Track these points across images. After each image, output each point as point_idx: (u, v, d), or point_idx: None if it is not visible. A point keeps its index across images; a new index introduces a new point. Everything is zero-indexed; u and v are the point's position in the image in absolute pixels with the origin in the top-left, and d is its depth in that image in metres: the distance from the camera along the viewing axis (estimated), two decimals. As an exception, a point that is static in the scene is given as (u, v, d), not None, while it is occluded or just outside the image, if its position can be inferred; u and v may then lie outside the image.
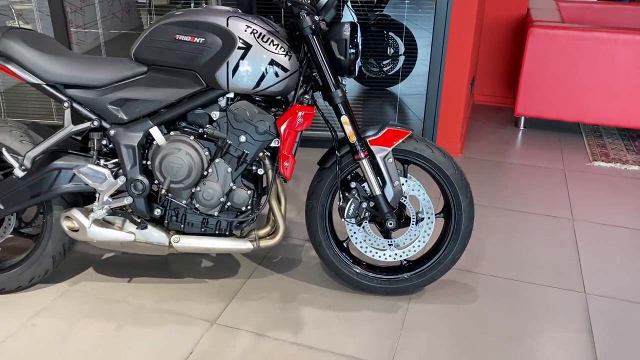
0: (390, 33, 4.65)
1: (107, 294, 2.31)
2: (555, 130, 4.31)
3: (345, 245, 2.34)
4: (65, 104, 2.03)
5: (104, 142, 2.10)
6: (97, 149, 2.09)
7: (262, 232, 2.26)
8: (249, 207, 2.15)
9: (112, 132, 2.05)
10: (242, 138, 2.04)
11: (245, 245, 2.20)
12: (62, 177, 2.10)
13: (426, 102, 3.74)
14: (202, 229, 2.18)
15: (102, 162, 2.10)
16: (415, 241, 2.25)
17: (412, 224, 2.23)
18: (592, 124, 4.25)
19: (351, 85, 4.95)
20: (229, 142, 2.04)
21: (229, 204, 2.14)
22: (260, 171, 2.15)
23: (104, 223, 2.15)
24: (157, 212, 2.14)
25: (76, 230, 2.12)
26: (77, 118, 2.09)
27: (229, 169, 2.08)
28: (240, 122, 2.03)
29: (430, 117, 3.78)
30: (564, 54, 4.03)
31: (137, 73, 2.05)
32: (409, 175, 2.24)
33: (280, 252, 2.64)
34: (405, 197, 2.20)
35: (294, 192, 3.23)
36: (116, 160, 2.10)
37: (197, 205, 2.11)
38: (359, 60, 2.12)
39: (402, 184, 2.18)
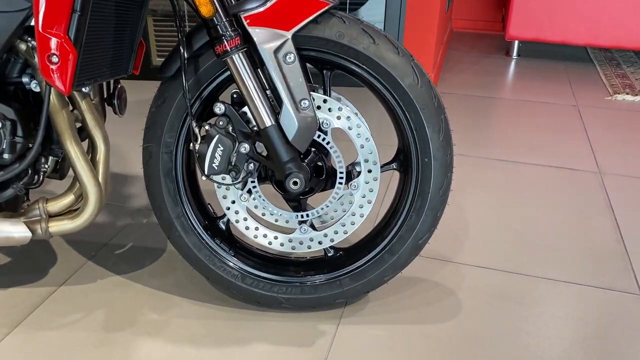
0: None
1: None
2: (559, 59, 3.29)
3: (224, 227, 1.30)
4: None
5: None
6: None
7: (56, 205, 1.20)
8: (5, 156, 1.07)
9: None
10: (-39, 6, 0.95)
11: (17, 230, 1.14)
12: None
13: (385, 16, 2.66)
14: None
15: None
16: (345, 215, 1.21)
17: (339, 184, 1.19)
18: (609, 48, 3.23)
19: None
20: None
21: (-43, 149, 1.06)
22: (36, 85, 1.07)
23: None
24: None
25: None
26: None
27: (-59, 75, 0.99)
28: (-49, -32, 0.94)
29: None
30: (572, -49, 2.97)
31: None
32: (334, 93, 1.20)
33: (132, 236, 1.58)
34: (325, 133, 1.15)
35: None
36: None
37: None
38: None
39: (318, 107, 1.13)
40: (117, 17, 1.11)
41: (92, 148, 1.24)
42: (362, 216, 1.20)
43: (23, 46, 1.03)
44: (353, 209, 1.20)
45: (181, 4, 1.12)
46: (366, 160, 1.17)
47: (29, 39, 1.02)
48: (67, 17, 0.94)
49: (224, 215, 1.27)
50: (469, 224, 1.68)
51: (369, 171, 1.17)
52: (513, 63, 3.23)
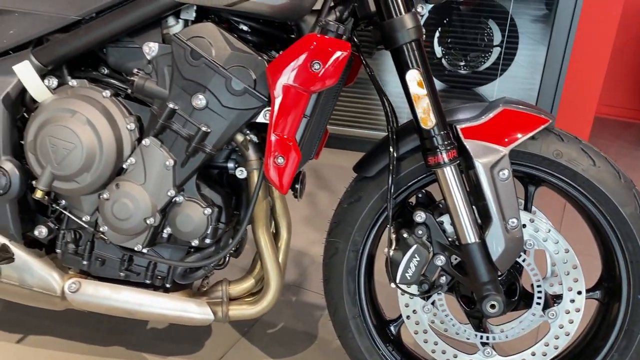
0: (483, 16, 3.51)
1: (-28, 361, 1.33)
2: None
3: (394, 332, 1.24)
4: None
5: (-50, 90, 1.12)
6: (-61, 103, 1.11)
7: (237, 288, 1.20)
8: (207, 241, 1.09)
9: (-38, 71, 1.07)
10: (199, 100, 0.99)
11: (200, 311, 1.15)
12: None
13: (539, 92, 2.56)
14: (122, 273, 1.14)
15: (-58, 127, 1.12)
16: (538, 343, 1.11)
17: (536, 308, 1.10)
18: None
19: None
20: (172, 105, 1.00)
21: (168, 230, 1.09)
22: (241, 172, 1.09)
23: (-58, 242, 1.16)
24: (42, 231, 1.12)
25: None
26: None
27: (169, 161, 1.03)
28: (198, 66, 0.98)
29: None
30: None
31: (24, -36, 1.06)
32: (534, 209, 1.12)
33: (283, 314, 1.56)
34: (526, 252, 1.07)
35: (324, 210, 2.14)
36: (-30, 126, 1.11)
37: (103, 228, 1.08)
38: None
39: (524, 226, 1.06)
40: (322, 111, 1.12)
41: (275, 233, 1.25)
42: (556, 348, 1.10)
43: (240, 137, 1.05)
44: (547, 338, 1.10)
45: (387, 104, 1.10)
46: (570, 289, 1.07)
47: (247, 131, 1.05)
48: (298, 121, 0.95)
49: (397, 319, 1.21)
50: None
51: (572, 301, 1.07)
52: (666, 160, 2.98)
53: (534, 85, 2.83)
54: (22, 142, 1.06)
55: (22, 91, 1.07)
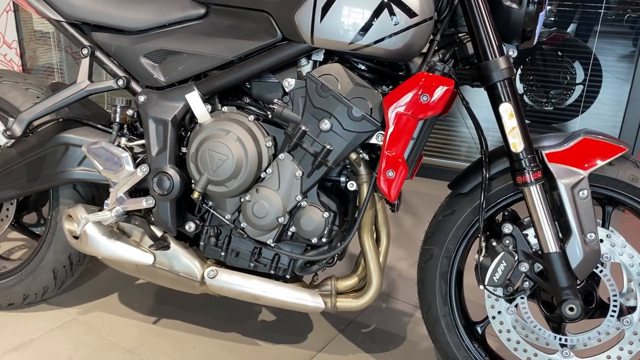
0: (566, 55, 3.61)
1: (119, 334, 1.61)
2: None
3: (480, 332, 1.39)
4: (84, 51, 1.40)
5: (130, 112, 1.43)
6: (121, 122, 1.43)
7: (344, 283, 1.42)
8: (323, 240, 1.31)
9: (141, 98, 1.38)
10: (325, 124, 1.23)
11: (313, 300, 1.37)
12: (69, 158, 1.46)
13: (623, 123, 2.63)
14: (251, 264, 1.39)
15: (123, 141, 1.43)
16: (613, 347, 1.24)
17: (611, 316, 1.23)
18: None
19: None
20: (304, 128, 1.25)
21: (292, 229, 1.33)
22: (352, 185, 1.32)
23: (114, 232, 1.46)
24: (191, 227, 1.40)
25: (77, 237, 1.46)
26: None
27: (298, 172, 1.27)
28: (326, 97, 1.23)
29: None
30: None
31: (191, 16, 1.37)
32: (610, 227, 1.26)
33: (375, 318, 1.75)
34: (603, 265, 1.22)
35: (409, 232, 2.33)
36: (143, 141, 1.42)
37: (243, 224, 1.34)
38: (542, 16, 1.22)
39: (601, 240, 1.20)
40: (423, 136, 1.33)
41: (377, 239, 1.45)
42: (630, 353, 1.22)
43: (353, 155, 1.28)
44: (621, 343, 1.22)
45: (481, 132, 1.29)
46: (643, 299, 1.20)
47: (360, 150, 1.28)
48: (407, 142, 1.17)
49: (482, 320, 1.37)
50: None
51: (646, 310, 1.20)
52: None
53: (616, 123, 2.91)
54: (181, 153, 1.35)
55: (184, 114, 1.36)
